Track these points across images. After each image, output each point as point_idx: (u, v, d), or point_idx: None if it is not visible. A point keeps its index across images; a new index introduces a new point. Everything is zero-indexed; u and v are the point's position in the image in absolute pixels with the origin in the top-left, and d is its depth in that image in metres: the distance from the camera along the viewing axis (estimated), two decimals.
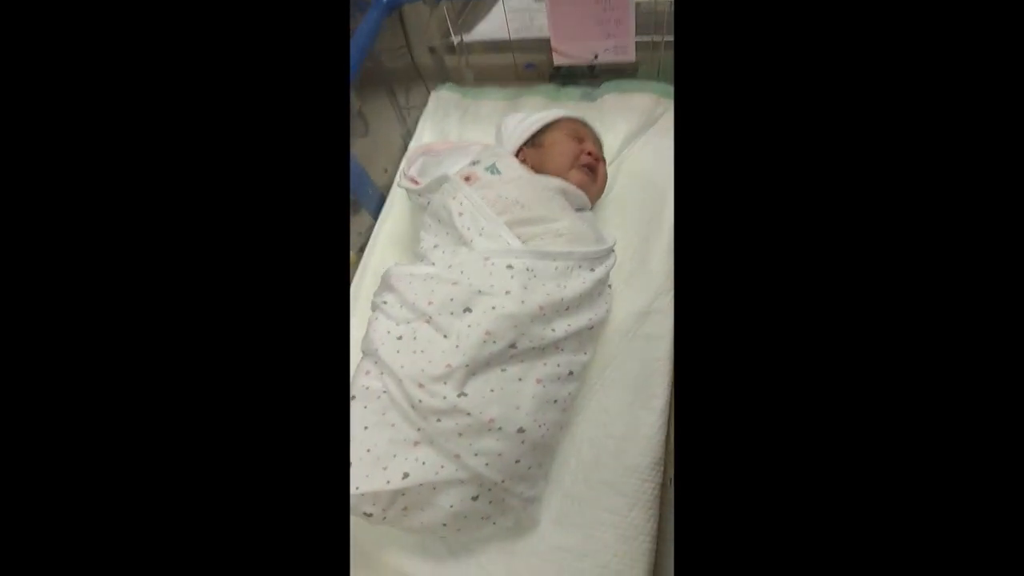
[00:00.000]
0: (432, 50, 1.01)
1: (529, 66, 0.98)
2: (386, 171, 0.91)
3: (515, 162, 0.73)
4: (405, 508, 0.52)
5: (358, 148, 0.85)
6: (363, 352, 0.60)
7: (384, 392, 0.55)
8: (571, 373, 0.59)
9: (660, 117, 0.90)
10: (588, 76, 0.97)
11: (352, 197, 0.84)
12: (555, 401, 0.57)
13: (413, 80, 1.02)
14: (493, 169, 0.70)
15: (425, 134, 0.97)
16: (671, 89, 0.94)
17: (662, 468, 0.60)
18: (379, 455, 0.52)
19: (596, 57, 0.90)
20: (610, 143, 0.87)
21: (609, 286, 0.69)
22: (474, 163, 0.73)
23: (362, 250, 0.84)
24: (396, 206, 0.87)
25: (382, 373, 0.56)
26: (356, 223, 0.86)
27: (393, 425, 0.53)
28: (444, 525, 0.53)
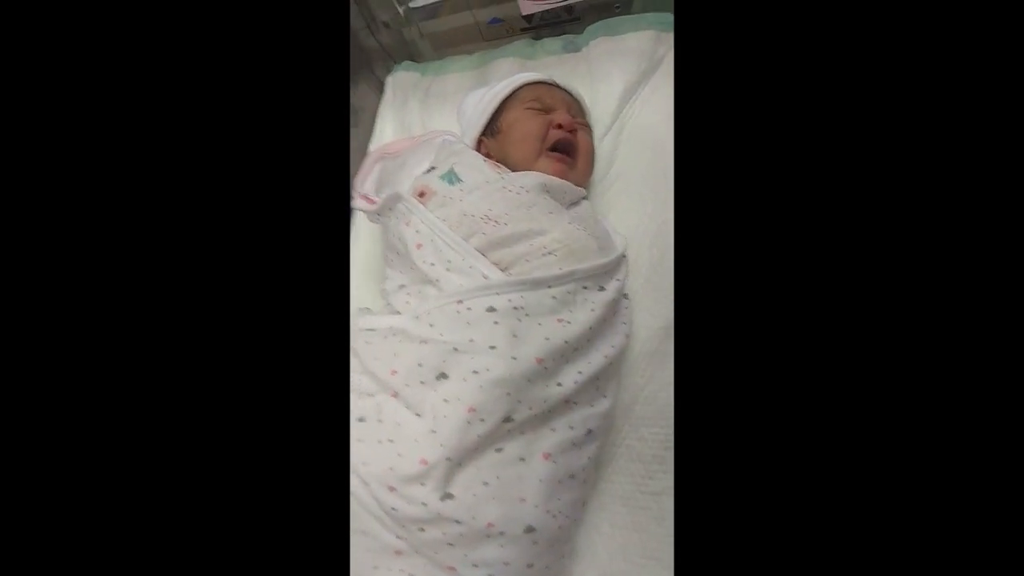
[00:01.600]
0: (386, 24, 0.84)
1: (494, 21, 0.80)
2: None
3: (478, 160, 0.57)
4: None
5: None
6: None
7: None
8: (590, 432, 0.46)
9: (664, 58, 0.71)
10: (568, 20, 0.78)
11: None
12: (572, 476, 0.44)
13: (375, 65, 0.86)
14: (451, 177, 0.54)
15: (386, 131, 0.81)
16: (674, 19, 0.74)
17: None
18: (355, 570, 0.42)
19: None
20: (605, 102, 0.69)
21: (625, 296, 0.55)
22: (430, 170, 0.57)
23: None
24: (366, 227, 0.73)
25: None
26: None
27: (366, 532, 0.43)
28: None
